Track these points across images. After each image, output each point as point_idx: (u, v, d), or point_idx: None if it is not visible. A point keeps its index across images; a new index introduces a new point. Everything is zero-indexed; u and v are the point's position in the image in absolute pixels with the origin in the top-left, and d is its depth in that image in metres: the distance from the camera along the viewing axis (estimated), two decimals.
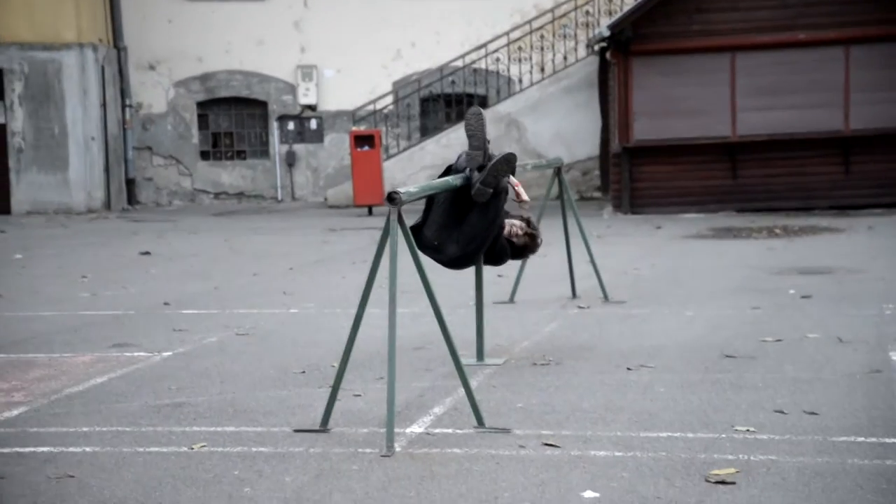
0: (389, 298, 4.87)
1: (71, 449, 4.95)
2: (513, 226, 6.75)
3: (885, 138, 16.84)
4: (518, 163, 6.42)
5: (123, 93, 21.25)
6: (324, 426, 5.16)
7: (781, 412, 5.32)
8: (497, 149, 6.61)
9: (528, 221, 6.85)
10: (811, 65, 16.95)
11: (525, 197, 6.55)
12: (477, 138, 6.14)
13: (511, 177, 6.25)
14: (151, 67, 21.70)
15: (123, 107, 21.27)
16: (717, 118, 17.15)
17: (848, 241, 12.99)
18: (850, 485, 4.22)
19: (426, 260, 5.56)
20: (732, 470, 4.40)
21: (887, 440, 4.82)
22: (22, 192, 20.12)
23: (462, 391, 5.82)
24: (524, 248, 6.88)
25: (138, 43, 21.38)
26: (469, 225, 6.17)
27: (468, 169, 6.08)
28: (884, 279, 9.77)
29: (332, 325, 8.16)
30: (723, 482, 4.26)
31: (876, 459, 4.55)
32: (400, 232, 4.91)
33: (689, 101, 17.15)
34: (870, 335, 7.24)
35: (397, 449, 4.81)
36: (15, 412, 5.69)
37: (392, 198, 4.86)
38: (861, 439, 4.84)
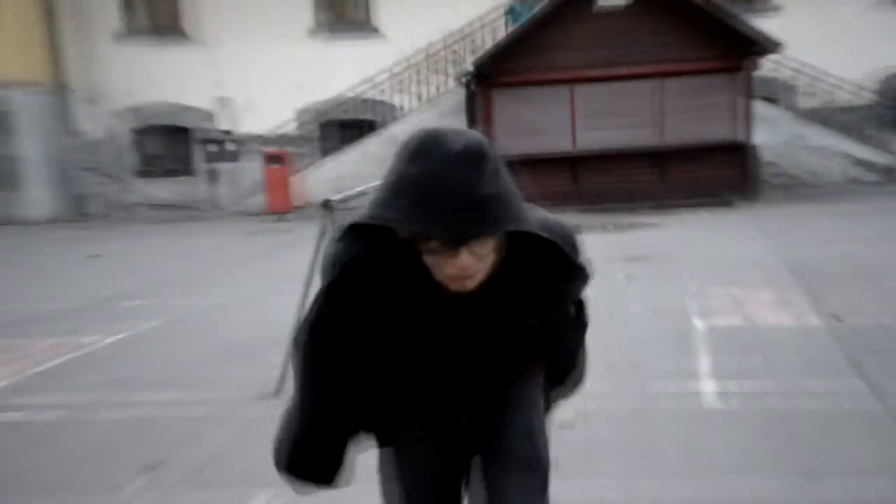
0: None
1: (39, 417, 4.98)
2: None
3: (692, 152, 17.51)
4: None
5: (68, 123, 20.70)
6: (277, 394, 5.20)
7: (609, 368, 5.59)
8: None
9: None
10: (634, 93, 17.47)
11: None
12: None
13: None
14: (92, 101, 21.23)
15: (69, 134, 20.71)
16: (561, 136, 17.58)
17: (663, 234, 13.45)
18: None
19: None
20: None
21: (689, 382, 5.15)
22: None
23: None
24: None
25: (80, 80, 20.87)
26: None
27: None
28: (690, 263, 10.21)
29: (255, 311, 8.22)
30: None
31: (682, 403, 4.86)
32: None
33: (539, 122, 17.54)
34: (677, 307, 7.62)
35: None
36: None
37: (327, 204, 4.89)
38: (671, 383, 5.16)
